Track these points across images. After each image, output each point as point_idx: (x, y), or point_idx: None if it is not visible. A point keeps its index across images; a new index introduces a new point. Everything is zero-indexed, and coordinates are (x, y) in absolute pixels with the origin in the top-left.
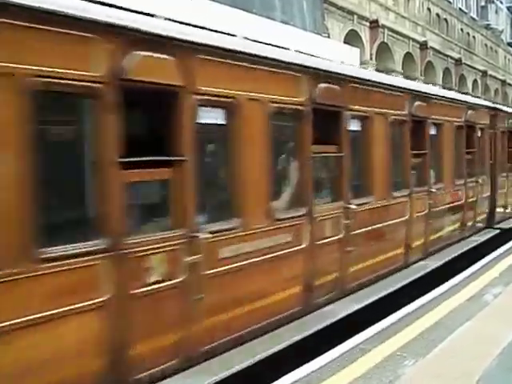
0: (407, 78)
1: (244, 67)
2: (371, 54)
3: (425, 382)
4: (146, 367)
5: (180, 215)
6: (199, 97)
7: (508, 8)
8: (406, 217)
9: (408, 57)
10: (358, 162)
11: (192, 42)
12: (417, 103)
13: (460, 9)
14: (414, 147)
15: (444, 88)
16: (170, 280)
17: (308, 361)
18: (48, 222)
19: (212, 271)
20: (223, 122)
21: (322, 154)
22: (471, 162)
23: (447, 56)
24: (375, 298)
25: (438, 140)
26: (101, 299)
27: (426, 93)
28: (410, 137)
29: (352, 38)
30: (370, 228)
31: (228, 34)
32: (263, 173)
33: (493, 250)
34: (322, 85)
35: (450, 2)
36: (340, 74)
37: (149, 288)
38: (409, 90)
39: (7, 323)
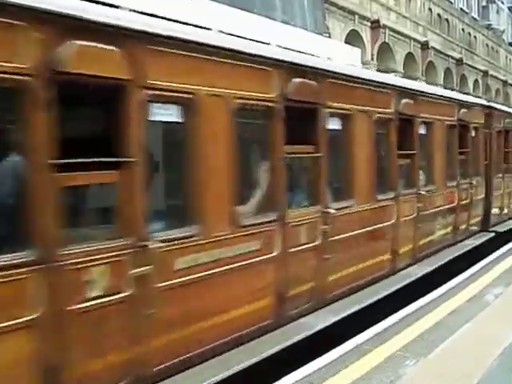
0: (408, 78)
1: (204, 60)
2: (372, 55)
3: (426, 382)
4: None
5: (127, 223)
6: (150, 92)
7: (509, 8)
8: (392, 221)
9: (409, 57)
10: (339, 163)
11: (141, 32)
12: (404, 101)
13: (461, 9)
14: (402, 147)
15: (445, 88)
16: (114, 294)
17: (309, 361)
18: None
19: (165, 284)
20: (180, 120)
21: (297, 155)
22: (464, 163)
23: (448, 56)
24: (355, 308)
25: (427, 140)
26: (30, 317)
27: (414, 90)
28: (397, 136)
29: (353, 38)
30: (351, 233)
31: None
32: (226, 175)
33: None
34: (296, 80)
35: (451, 2)
36: (316, 68)
37: (88, 304)
38: (395, 86)
39: None
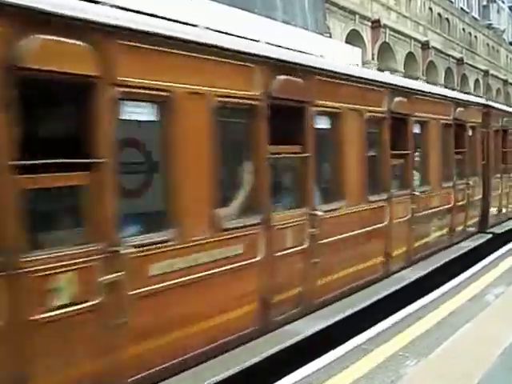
0: (409, 77)
1: (181, 56)
2: (373, 54)
3: (427, 382)
4: None
5: (96, 227)
6: (122, 89)
7: (510, 8)
8: (385, 223)
9: (410, 57)
10: (328, 164)
11: (111, 26)
12: (397, 99)
13: (462, 8)
14: (395, 147)
15: (446, 87)
16: (82, 303)
17: (310, 361)
18: None
19: (138, 291)
20: (155, 119)
21: (282, 155)
22: (461, 163)
23: (449, 56)
24: (345, 314)
25: (422, 139)
26: None
27: (407, 88)
28: (390, 136)
29: (354, 38)
30: (341, 236)
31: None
32: (206, 176)
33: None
34: (281, 77)
35: (451, 2)
36: (303, 65)
37: (53, 313)
38: (388, 84)
39: None
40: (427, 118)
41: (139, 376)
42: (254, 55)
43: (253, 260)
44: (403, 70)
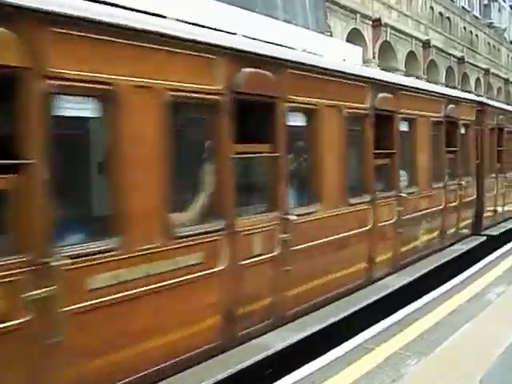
0: (410, 76)
1: (127, 45)
2: (374, 53)
3: (427, 381)
4: None
5: (23, 236)
6: (54, 82)
7: (511, 6)
8: (368, 227)
9: (411, 55)
10: (303, 164)
11: (40, 11)
12: (381, 95)
13: (463, 7)
14: (379, 146)
15: (447, 86)
16: (6, 322)
17: (311, 360)
18: None
19: (75, 307)
20: (97, 115)
21: (249, 155)
22: (453, 162)
23: (450, 55)
24: (321, 325)
25: (410, 137)
26: None
27: (393, 83)
28: (373, 134)
29: (354, 37)
30: (317, 242)
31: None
32: (157, 179)
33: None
34: (247, 70)
35: (452, 1)
36: (273, 57)
37: None
38: (371, 79)
39: None
40: (415, 115)
41: None
42: (215, 46)
43: (214, 270)
44: (404, 69)
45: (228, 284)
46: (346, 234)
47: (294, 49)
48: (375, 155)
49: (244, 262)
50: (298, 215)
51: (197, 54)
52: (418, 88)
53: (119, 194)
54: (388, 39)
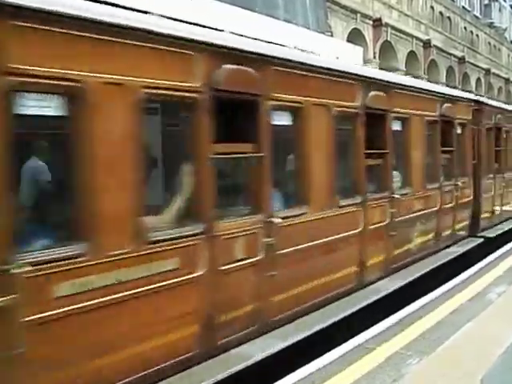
0: (411, 76)
1: (95, 40)
2: (374, 53)
3: (428, 381)
4: None
5: None
6: (14, 78)
7: (511, 6)
8: (359, 229)
9: (411, 55)
10: (289, 165)
11: None
12: (373, 93)
13: (463, 7)
14: (371, 146)
15: (448, 86)
16: None
17: (312, 360)
18: None
19: (38, 316)
20: (64, 114)
21: (231, 155)
22: (449, 163)
23: (450, 54)
24: (307, 333)
25: (403, 137)
26: None
27: (385, 81)
28: (365, 133)
29: (355, 37)
30: (304, 246)
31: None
32: (129, 180)
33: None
34: (228, 66)
35: (453, 1)
36: (256, 53)
37: None
38: (361, 76)
39: None
40: (409, 114)
41: None
42: (193, 41)
43: (191, 276)
44: (405, 69)
45: (207, 290)
46: (336, 236)
47: (281, 45)
48: (366, 155)
49: (224, 268)
50: (283, 218)
51: (173, 49)
52: (411, 86)
53: (87, 196)
54: (388, 39)
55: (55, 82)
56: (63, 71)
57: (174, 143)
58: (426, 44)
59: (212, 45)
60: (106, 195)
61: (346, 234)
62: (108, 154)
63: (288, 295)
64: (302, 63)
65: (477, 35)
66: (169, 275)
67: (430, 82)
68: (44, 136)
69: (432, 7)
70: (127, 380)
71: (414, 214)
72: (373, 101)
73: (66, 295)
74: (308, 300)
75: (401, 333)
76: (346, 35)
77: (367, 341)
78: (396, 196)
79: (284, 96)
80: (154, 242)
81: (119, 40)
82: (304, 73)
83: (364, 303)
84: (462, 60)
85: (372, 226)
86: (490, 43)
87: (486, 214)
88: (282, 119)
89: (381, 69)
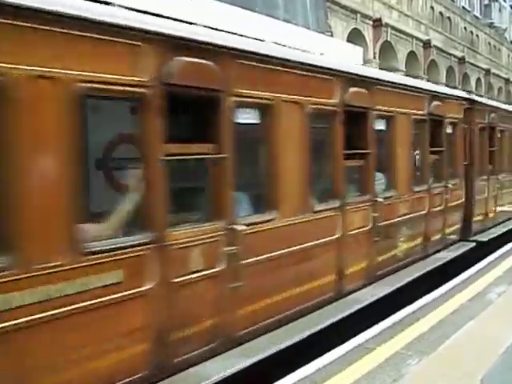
0: (411, 76)
1: (18, 28)
2: (374, 53)
3: (428, 381)
4: None
5: None
6: None
7: (511, 6)
8: (337, 235)
9: (411, 55)
10: (256, 167)
11: None
12: (353, 89)
13: (463, 7)
14: (351, 146)
15: (448, 86)
16: None
17: (312, 360)
18: None
19: None
20: None
21: (186, 156)
22: (438, 164)
23: (450, 55)
24: (274, 349)
25: (388, 136)
26: None
27: (366, 77)
28: (343, 132)
29: (355, 37)
30: (273, 254)
31: None
32: (59, 183)
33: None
34: (183, 59)
35: (453, 1)
36: (215, 45)
37: None
38: (340, 72)
39: None
40: (393, 113)
41: None
42: (139, 30)
43: (138, 290)
44: (405, 69)
45: (158, 305)
46: (310, 244)
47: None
48: (346, 156)
49: (178, 280)
50: (248, 225)
51: (116, 39)
52: (396, 83)
53: (10, 202)
54: (388, 39)
55: None
56: None
57: (116, 142)
58: (426, 44)
59: (162, 35)
60: (33, 201)
61: (322, 240)
62: (36, 154)
63: (256, 308)
64: (270, 56)
65: (477, 35)
66: (110, 290)
67: (430, 82)
68: None
69: (432, 7)
70: None
71: (400, 218)
72: (353, 98)
73: None
74: (279, 312)
75: (401, 333)
76: (345, 35)
77: (367, 341)
78: (379, 199)
79: (250, 92)
80: (93, 253)
81: (45, 27)
82: (274, 67)
83: (339, 316)
84: (462, 60)
85: (352, 232)
86: (490, 43)
87: (479, 217)
88: (249, 117)
89: (381, 69)
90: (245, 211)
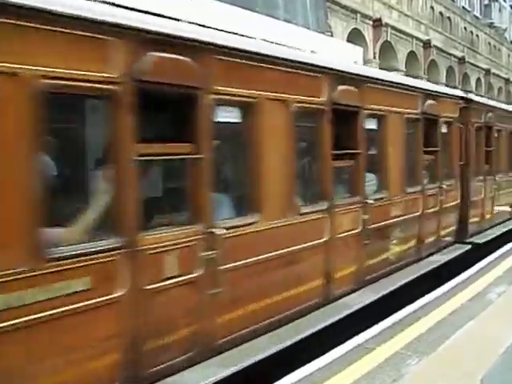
0: (411, 76)
1: None
2: (374, 53)
3: (428, 381)
4: None
5: None
6: None
7: (511, 6)
8: (325, 239)
9: (411, 55)
10: (237, 168)
11: None
12: (342, 87)
13: (463, 7)
14: (340, 146)
15: (448, 86)
16: None
17: (311, 360)
18: None
19: None
20: None
21: (161, 157)
22: (433, 164)
23: (450, 55)
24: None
25: (379, 136)
26: None
27: (356, 74)
28: (332, 132)
29: (355, 37)
30: (256, 259)
31: None
32: (20, 185)
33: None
34: (156, 54)
35: (453, 1)
36: (192, 40)
37: None
38: (328, 69)
39: None
40: (385, 112)
41: None
42: (108, 24)
43: (108, 297)
44: (405, 69)
45: (130, 313)
46: (295, 247)
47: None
48: (334, 156)
49: (152, 287)
50: (228, 228)
51: (82, 33)
52: (388, 81)
53: None
54: (389, 39)
55: None
56: None
57: (84, 142)
58: (426, 44)
59: (133, 29)
60: None
61: (309, 244)
62: None
63: (237, 315)
64: (253, 52)
65: (477, 35)
66: (77, 297)
67: (430, 82)
68: None
69: (432, 7)
70: None
71: (392, 221)
72: (342, 96)
73: None
74: (262, 319)
75: (400, 333)
76: (345, 35)
77: (367, 341)
78: (369, 201)
79: (231, 89)
80: (57, 259)
81: (4, 21)
82: (257, 64)
83: (327, 322)
84: (462, 60)
85: (341, 235)
86: (490, 43)
87: (475, 219)
88: (230, 116)
89: (381, 69)
90: (225, 214)
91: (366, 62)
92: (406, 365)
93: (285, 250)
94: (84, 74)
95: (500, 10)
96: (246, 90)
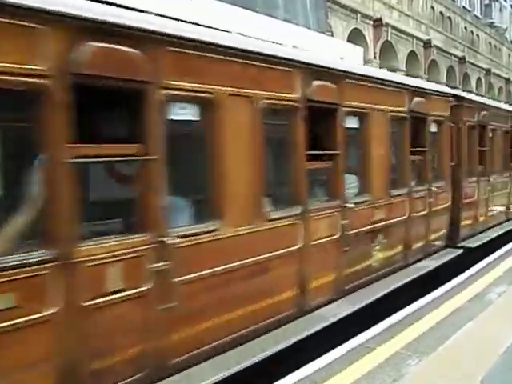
0: (411, 76)
1: None
2: (375, 53)
3: (428, 381)
4: None
5: None
6: None
7: None
8: (298, 246)
9: (412, 55)
10: (195, 170)
11: None
12: (317, 83)
13: (464, 7)
14: (315, 146)
15: (448, 86)
16: None
17: (312, 359)
18: None
19: None
20: None
21: (102, 159)
22: (421, 165)
23: (451, 54)
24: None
25: (361, 135)
26: None
27: (333, 69)
28: (306, 131)
29: (355, 37)
30: (215, 270)
31: None
32: None
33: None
34: (95, 45)
35: (453, 1)
36: (140, 29)
37: None
38: (301, 63)
39: None
40: (367, 109)
41: None
42: (38, 11)
43: (37, 316)
44: (405, 69)
45: (65, 333)
46: (263, 256)
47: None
48: (309, 157)
49: (90, 303)
50: (183, 237)
51: (4, 20)
52: (369, 76)
53: None
54: (389, 39)
55: None
56: None
57: (12, 143)
58: (427, 44)
59: (68, 16)
60: None
61: (279, 252)
62: None
63: (195, 331)
64: (211, 44)
65: (477, 35)
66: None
67: (431, 81)
68: None
69: (432, 7)
70: None
71: (375, 225)
72: (317, 92)
73: None
74: (225, 335)
75: (401, 333)
76: (346, 35)
77: (367, 341)
78: (349, 205)
79: (185, 84)
80: None
81: None
82: (216, 56)
83: (300, 335)
84: (462, 60)
85: (316, 242)
86: (490, 43)
87: (468, 222)
88: (186, 113)
89: (381, 68)
90: (180, 221)
91: (366, 61)
92: (406, 365)
93: (250, 260)
94: (13, 68)
95: (500, 10)
96: (203, 84)
